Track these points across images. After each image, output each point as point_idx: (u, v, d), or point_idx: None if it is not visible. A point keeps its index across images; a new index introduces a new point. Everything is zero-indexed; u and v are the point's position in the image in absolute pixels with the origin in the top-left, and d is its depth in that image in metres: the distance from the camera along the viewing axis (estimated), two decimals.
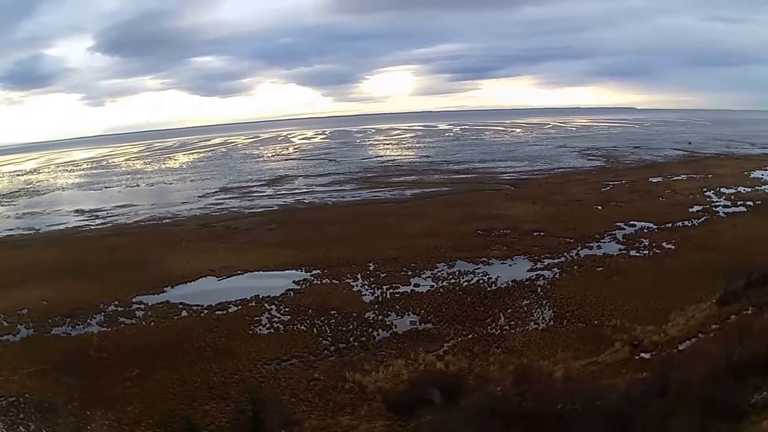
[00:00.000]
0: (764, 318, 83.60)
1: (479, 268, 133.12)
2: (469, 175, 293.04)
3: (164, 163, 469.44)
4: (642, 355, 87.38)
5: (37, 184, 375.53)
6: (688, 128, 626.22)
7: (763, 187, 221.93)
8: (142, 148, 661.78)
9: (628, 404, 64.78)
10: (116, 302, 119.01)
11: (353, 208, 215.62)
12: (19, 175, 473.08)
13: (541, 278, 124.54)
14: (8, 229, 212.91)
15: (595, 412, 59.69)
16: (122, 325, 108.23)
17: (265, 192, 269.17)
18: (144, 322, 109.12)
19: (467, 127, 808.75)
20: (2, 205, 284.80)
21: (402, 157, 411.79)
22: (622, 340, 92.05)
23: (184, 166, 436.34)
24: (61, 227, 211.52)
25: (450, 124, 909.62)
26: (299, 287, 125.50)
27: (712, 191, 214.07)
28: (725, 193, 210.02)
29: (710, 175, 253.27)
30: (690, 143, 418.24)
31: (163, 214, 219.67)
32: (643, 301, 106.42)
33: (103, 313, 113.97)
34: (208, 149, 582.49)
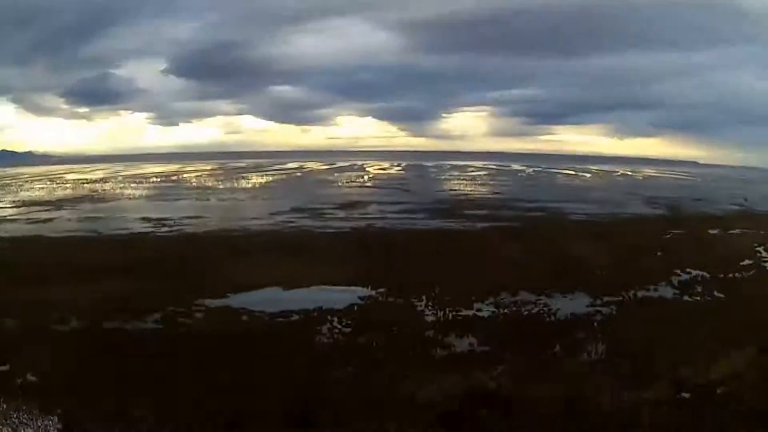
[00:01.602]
0: None
1: (541, 300, 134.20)
2: (539, 213, 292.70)
3: (237, 183, 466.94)
4: (683, 394, 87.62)
5: (103, 192, 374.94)
6: (747, 185, 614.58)
7: None
8: (215, 166, 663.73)
9: None
10: (175, 303, 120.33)
11: (423, 234, 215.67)
12: (84, 183, 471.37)
13: (599, 314, 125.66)
14: (68, 231, 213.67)
15: None
16: (180, 324, 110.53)
17: (337, 215, 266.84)
18: (204, 323, 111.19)
19: (540, 169, 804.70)
20: (64, 209, 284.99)
21: (475, 193, 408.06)
22: (667, 378, 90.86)
23: (257, 186, 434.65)
24: (125, 232, 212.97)
25: (523, 165, 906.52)
26: (363, 302, 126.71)
27: (763, 247, 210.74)
28: None
29: (762, 232, 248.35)
30: (746, 200, 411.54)
31: (232, 227, 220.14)
32: (691, 342, 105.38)
33: (160, 312, 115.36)
34: (282, 172, 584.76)
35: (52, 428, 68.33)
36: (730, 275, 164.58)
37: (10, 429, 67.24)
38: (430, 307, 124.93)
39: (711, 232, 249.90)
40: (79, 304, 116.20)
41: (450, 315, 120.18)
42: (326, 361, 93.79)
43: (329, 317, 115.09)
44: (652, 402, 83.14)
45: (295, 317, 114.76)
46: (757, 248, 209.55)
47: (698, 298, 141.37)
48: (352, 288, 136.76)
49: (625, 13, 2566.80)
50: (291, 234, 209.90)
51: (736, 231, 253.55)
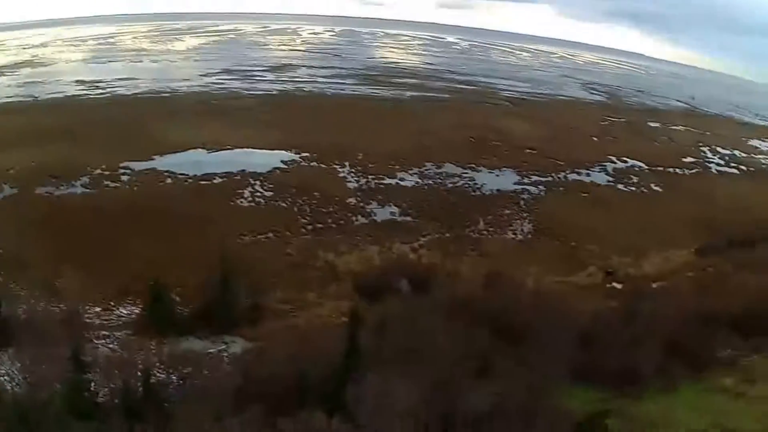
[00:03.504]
0: (742, 277, 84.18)
1: (467, 173, 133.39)
2: (470, 87, 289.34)
3: (171, 45, 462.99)
4: (614, 284, 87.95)
5: (42, 57, 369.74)
6: (697, 85, 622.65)
7: (759, 156, 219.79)
8: (152, 28, 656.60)
9: (594, 328, 64.71)
10: (103, 167, 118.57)
11: (351, 101, 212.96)
12: (25, 48, 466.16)
13: (526, 192, 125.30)
14: (8, 96, 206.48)
15: (559, 330, 59.31)
16: (106, 189, 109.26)
17: (266, 77, 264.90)
18: (128, 187, 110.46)
19: (476, 43, 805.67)
20: (4, 75, 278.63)
21: (406, 62, 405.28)
22: (596, 265, 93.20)
23: (190, 47, 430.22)
24: (60, 95, 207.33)
25: (458, 38, 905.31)
26: (286, 167, 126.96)
27: (708, 148, 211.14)
28: (720, 153, 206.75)
29: (708, 132, 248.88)
30: (693, 98, 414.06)
31: (162, 89, 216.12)
32: (624, 234, 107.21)
33: (88, 176, 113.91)
34: (216, 33, 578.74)
35: None
36: (670, 170, 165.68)
37: None
38: (353, 174, 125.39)
39: (651, 124, 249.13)
40: (13, 171, 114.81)
41: (373, 182, 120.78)
42: (247, 226, 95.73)
43: (251, 180, 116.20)
44: (579, 287, 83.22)
45: (218, 180, 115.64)
46: (702, 148, 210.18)
47: (633, 189, 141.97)
48: (276, 152, 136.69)
49: None
50: (219, 96, 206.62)
51: (679, 127, 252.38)
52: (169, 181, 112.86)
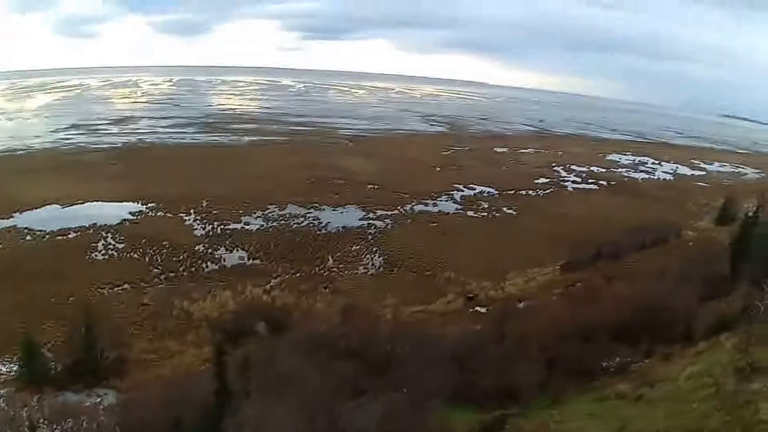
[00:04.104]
0: (614, 288, 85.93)
1: (310, 213, 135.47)
2: (307, 128, 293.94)
3: (24, 102, 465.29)
4: (477, 308, 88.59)
5: None
6: (543, 108, 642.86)
7: (620, 170, 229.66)
8: (5, 86, 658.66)
9: (463, 350, 64.64)
10: None
11: (191, 149, 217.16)
12: None
13: (373, 227, 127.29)
14: None
15: (426, 355, 59.04)
16: None
17: (110, 130, 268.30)
18: None
19: (312, 84, 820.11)
20: None
21: (243, 107, 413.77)
22: (455, 292, 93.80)
23: (41, 105, 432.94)
24: None
25: (295, 80, 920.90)
26: (135, 218, 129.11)
27: (562, 167, 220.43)
28: (576, 170, 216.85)
29: (561, 153, 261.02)
30: (542, 121, 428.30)
31: (18, 146, 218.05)
32: (480, 258, 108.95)
33: None
34: (64, 89, 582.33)
35: None
36: (522, 192, 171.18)
37: None
38: (198, 221, 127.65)
39: (498, 150, 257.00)
40: None
41: (218, 228, 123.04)
42: (103, 278, 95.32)
43: (103, 233, 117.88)
44: (441, 314, 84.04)
45: (73, 234, 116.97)
46: (555, 168, 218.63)
47: (485, 214, 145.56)
48: (125, 204, 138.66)
49: None
50: (68, 151, 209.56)
51: (529, 150, 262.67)
52: (29, 238, 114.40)
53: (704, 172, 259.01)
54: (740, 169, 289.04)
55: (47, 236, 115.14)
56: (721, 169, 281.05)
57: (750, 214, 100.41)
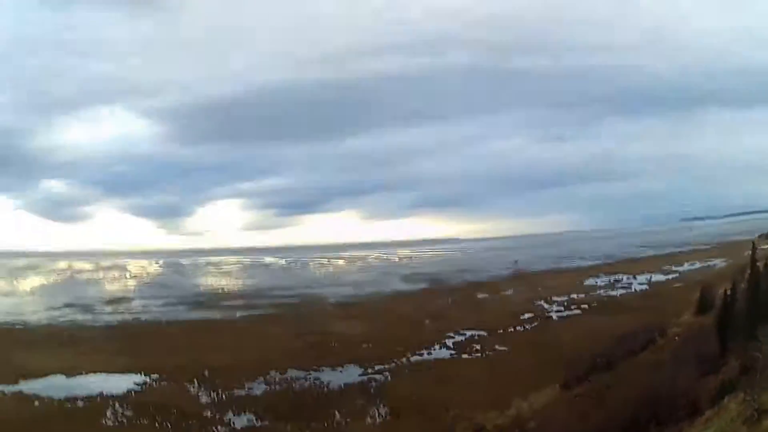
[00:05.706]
0: (617, 392, 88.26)
1: (310, 375, 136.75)
2: (296, 300, 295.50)
3: (17, 282, 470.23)
4: None
5: None
6: (515, 252, 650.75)
7: (598, 291, 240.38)
8: None
9: None
10: None
11: (186, 325, 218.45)
12: None
13: (373, 381, 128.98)
14: None
15: None
16: None
17: (105, 309, 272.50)
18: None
19: (292, 259, 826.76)
20: None
21: (231, 285, 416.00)
22: (463, 426, 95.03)
23: (35, 285, 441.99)
24: None
25: (276, 257, 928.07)
26: (140, 388, 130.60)
27: (543, 300, 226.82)
28: (557, 301, 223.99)
29: (539, 288, 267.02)
30: (516, 262, 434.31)
31: (16, 321, 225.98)
32: (481, 394, 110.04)
33: None
34: (55, 272, 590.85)
35: None
36: (511, 329, 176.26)
37: None
38: (202, 390, 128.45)
39: (480, 296, 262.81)
40: None
41: (223, 395, 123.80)
42: None
43: (110, 401, 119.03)
44: None
45: (81, 403, 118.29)
46: (537, 302, 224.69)
47: (478, 354, 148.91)
48: (127, 375, 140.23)
49: (390, 88, 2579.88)
50: (66, 327, 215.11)
51: (509, 291, 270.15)
52: (36, 404, 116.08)
53: (677, 274, 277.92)
54: (709, 263, 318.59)
55: (56, 403, 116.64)
56: (692, 267, 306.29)
57: (728, 292, 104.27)
